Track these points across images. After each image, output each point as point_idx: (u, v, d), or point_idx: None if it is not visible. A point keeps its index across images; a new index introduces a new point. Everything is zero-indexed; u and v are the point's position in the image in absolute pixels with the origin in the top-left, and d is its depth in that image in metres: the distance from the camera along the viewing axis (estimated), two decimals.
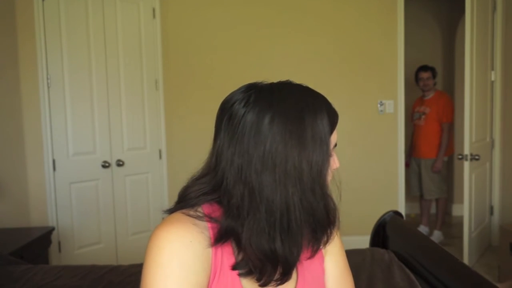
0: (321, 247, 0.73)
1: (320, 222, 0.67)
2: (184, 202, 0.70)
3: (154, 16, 3.29)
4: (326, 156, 0.67)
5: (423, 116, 3.70)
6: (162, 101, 3.36)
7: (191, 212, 0.67)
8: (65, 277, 1.72)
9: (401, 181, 3.48)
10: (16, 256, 2.09)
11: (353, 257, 1.47)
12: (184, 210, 0.68)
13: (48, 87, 2.78)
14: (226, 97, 0.71)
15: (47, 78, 2.77)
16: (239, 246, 0.65)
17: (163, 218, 0.70)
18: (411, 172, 3.86)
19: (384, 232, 1.91)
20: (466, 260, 2.89)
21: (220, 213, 0.67)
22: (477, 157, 2.86)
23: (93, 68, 2.96)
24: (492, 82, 3.29)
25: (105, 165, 3.02)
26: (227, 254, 0.67)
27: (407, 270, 1.53)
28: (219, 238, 0.65)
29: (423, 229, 3.82)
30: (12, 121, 2.64)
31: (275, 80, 0.74)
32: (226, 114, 0.68)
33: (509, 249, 2.60)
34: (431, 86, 3.68)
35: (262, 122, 0.63)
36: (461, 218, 3.29)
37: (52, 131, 2.80)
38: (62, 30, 2.82)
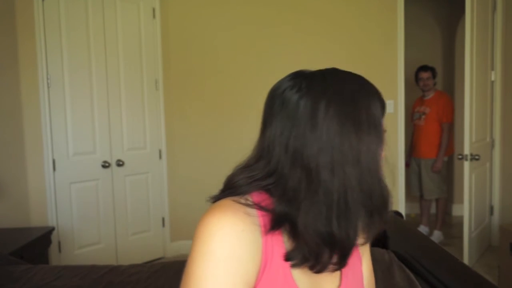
0: (376, 232, 0.72)
1: (376, 205, 0.66)
2: (232, 189, 0.69)
3: (154, 16, 3.29)
4: (380, 139, 0.67)
5: (423, 116, 3.70)
6: (162, 101, 3.36)
7: (242, 200, 0.66)
8: (65, 277, 1.72)
9: (401, 181, 3.48)
10: (16, 256, 2.10)
11: None
12: (234, 198, 0.67)
13: (48, 87, 2.78)
14: (275, 85, 0.72)
15: (47, 78, 2.77)
16: (294, 232, 0.64)
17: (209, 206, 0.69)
18: (411, 172, 3.86)
19: (384, 232, 1.91)
20: (466, 260, 2.89)
21: (270, 202, 0.66)
22: (477, 157, 2.86)
23: (93, 68, 2.96)
24: (492, 82, 3.29)
25: (105, 165, 3.02)
26: (278, 244, 0.65)
27: (407, 270, 1.53)
28: (274, 225, 0.64)
29: (423, 229, 3.82)
30: (12, 121, 2.64)
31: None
32: (277, 100, 0.68)
33: (509, 249, 2.60)
34: (431, 86, 3.68)
35: (318, 106, 0.64)
36: (461, 218, 3.29)
37: (52, 131, 2.80)
38: (62, 30, 2.82)
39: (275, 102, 0.68)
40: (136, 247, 3.25)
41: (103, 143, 3.03)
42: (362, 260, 0.84)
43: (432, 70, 3.67)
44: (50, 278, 1.72)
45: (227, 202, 0.66)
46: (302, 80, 0.68)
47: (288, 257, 0.65)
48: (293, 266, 0.65)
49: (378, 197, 0.66)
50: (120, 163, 3.11)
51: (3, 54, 2.57)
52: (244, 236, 0.62)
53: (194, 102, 3.47)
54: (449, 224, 4.26)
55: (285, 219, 0.64)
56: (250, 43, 3.44)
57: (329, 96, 0.64)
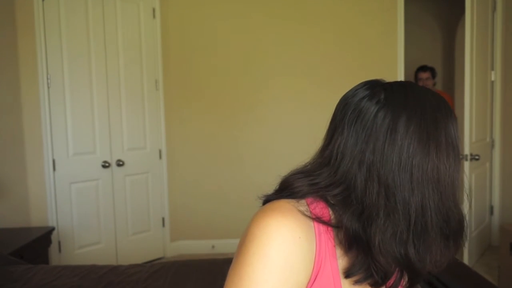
0: (450, 258, 0.68)
1: (454, 230, 0.64)
2: (289, 191, 0.66)
3: (154, 16, 3.29)
4: (458, 161, 0.65)
5: None
6: (162, 101, 3.36)
7: (301, 207, 0.63)
8: (65, 277, 1.72)
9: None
10: (16, 256, 2.10)
11: None
12: (291, 201, 0.64)
13: (48, 87, 2.78)
14: (349, 92, 0.69)
15: (47, 78, 2.77)
16: (365, 249, 0.61)
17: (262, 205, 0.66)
18: None
19: None
20: (466, 260, 2.89)
21: (326, 211, 0.64)
22: (477, 157, 2.86)
23: (93, 68, 2.96)
24: (492, 82, 3.29)
25: (105, 165, 3.02)
26: (331, 255, 0.63)
27: None
28: (351, 243, 0.61)
29: None
30: (12, 121, 2.64)
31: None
32: (351, 109, 0.65)
33: (509, 249, 2.60)
34: (431, 86, 3.68)
35: (398, 120, 0.61)
36: None
37: (52, 131, 2.80)
38: (62, 30, 2.82)
39: (349, 110, 0.65)
40: (136, 247, 3.25)
41: (103, 143, 3.03)
42: None
43: (431, 70, 3.67)
44: (50, 278, 1.72)
45: (285, 204, 0.63)
46: (381, 90, 0.65)
47: (349, 273, 0.62)
48: (354, 283, 0.63)
49: (455, 221, 0.64)
50: (120, 163, 3.11)
51: (3, 53, 2.57)
52: (300, 243, 0.59)
53: (194, 102, 3.47)
54: None
55: (359, 236, 0.61)
56: (251, 42, 3.44)
57: (410, 111, 0.62)
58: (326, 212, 0.64)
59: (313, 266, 0.61)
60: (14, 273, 1.77)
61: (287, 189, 0.67)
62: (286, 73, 3.41)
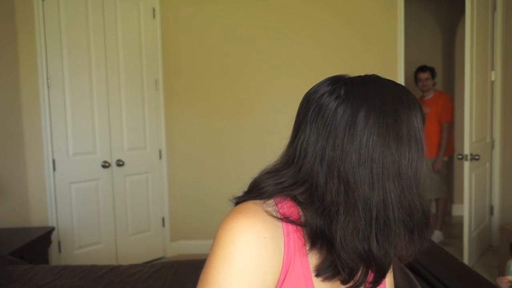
0: (416, 251, 0.68)
1: (417, 223, 0.63)
2: (256, 193, 0.66)
3: (154, 16, 3.29)
4: (421, 153, 0.64)
5: None
6: (162, 101, 3.36)
7: (268, 207, 0.62)
8: (65, 277, 1.72)
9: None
10: (16, 256, 2.10)
11: None
12: (258, 201, 0.64)
13: (48, 87, 2.78)
14: (311, 89, 0.68)
15: (47, 78, 2.77)
16: (328, 246, 0.61)
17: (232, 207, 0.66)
18: None
19: None
20: (466, 260, 2.89)
21: (295, 210, 0.63)
22: (477, 157, 2.86)
23: (93, 68, 2.96)
24: (492, 82, 3.29)
25: (105, 165, 3.02)
26: (300, 254, 0.63)
27: (407, 270, 1.53)
28: (314, 240, 0.61)
29: None
30: (12, 121, 2.64)
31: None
32: (313, 106, 0.65)
33: (509, 249, 2.60)
34: (430, 86, 3.67)
35: (357, 115, 0.61)
36: (461, 218, 3.29)
37: (52, 131, 2.80)
38: (62, 30, 2.82)
39: (311, 107, 0.65)
40: (136, 247, 3.25)
41: (103, 143, 3.03)
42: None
43: (431, 70, 3.67)
44: (50, 278, 1.72)
45: (251, 206, 0.63)
46: (341, 86, 0.64)
47: (318, 271, 0.62)
48: (323, 280, 0.63)
49: (419, 214, 0.63)
50: (120, 163, 3.11)
51: (3, 54, 2.57)
52: (266, 243, 0.59)
53: (194, 102, 3.47)
54: (449, 224, 4.25)
55: (322, 233, 0.61)
56: (251, 42, 3.44)
57: (369, 105, 0.61)
58: (295, 210, 0.64)
59: (282, 266, 0.61)
60: (14, 273, 1.77)
61: (254, 190, 0.67)
62: (287, 72, 3.41)
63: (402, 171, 0.61)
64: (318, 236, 0.61)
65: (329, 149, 0.61)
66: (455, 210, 4.54)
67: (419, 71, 3.69)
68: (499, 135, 3.34)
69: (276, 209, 0.63)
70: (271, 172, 0.68)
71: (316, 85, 0.68)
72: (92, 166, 2.99)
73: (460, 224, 3.25)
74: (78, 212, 2.95)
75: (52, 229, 2.59)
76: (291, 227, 0.62)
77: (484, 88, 3.12)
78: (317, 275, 0.62)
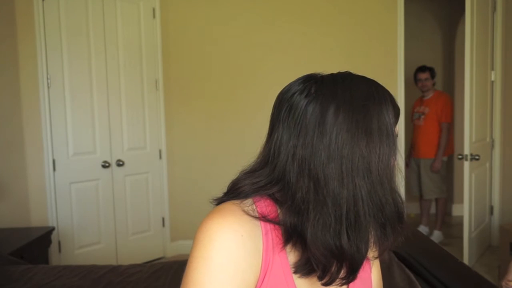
0: (390, 246, 0.68)
1: (389, 218, 0.63)
2: (234, 194, 0.67)
3: (154, 16, 3.29)
4: (393, 148, 0.64)
5: (422, 116, 3.71)
6: (162, 101, 3.36)
7: (246, 207, 0.63)
8: (65, 277, 1.72)
9: (401, 181, 3.47)
10: (16, 256, 2.10)
11: None
12: (235, 201, 0.65)
13: (48, 87, 2.78)
14: (284, 88, 0.69)
15: (47, 78, 2.77)
16: (301, 243, 0.61)
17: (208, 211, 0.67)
18: (411, 172, 3.86)
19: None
20: (466, 260, 2.89)
21: (274, 209, 0.64)
22: (477, 157, 2.86)
23: (93, 68, 2.96)
24: (492, 82, 3.29)
25: (105, 165, 3.02)
26: (280, 252, 0.63)
27: (407, 270, 1.53)
28: (287, 238, 0.62)
29: (423, 229, 3.82)
30: (12, 121, 2.64)
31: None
32: (285, 105, 0.65)
33: (509, 249, 2.60)
34: (430, 86, 3.67)
35: (327, 112, 0.61)
36: (461, 218, 3.29)
37: (52, 131, 2.80)
38: (62, 30, 2.82)
39: (283, 106, 0.66)
40: (136, 247, 3.25)
41: (103, 143, 3.03)
42: (372, 267, 0.82)
43: (430, 70, 3.67)
44: (50, 278, 1.72)
45: (228, 206, 0.64)
46: (312, 84, 0.65)
47: (296, 268, 0.63)
48: (300, 276, 0.63)
49: (391, 209, 0.64)
50: (120, 163, 3.11)
51: (3, 54, 2.57)
52: (243, 242, 0.60)
53: (194, 102, 3.47)
54: (449, 224, 4.25)
55: (295, 231, 0.61)
56: (251, 42, 3.44)
57: (339, 101, 0.62)
58: (273, 209, 0.64)
59: (261, 264, 0.61)
60: (14, 273, 1.77)
61: (232, 191, 0.68)
62: (287, 72, 3.41)
63: (372, 166, 0.61)
64: (292, 234, 0.62)
65: (299, 147, 0.62)
66: (455, 210, 4.54)
67: (419, 71, 3.69)
68: (499, 135, 3.34)
69: (254, 208, 0.64)
70: (248, 172, 0.69)
71: (289, 84, 0.68)
72: (92, 166, 2.99)
73: (460, 224, 3.26)
74: (78, 212, 2.95)
75: (52, 229, 2.59)
76: (269, 226, 0.63)
77: (484, 88, 3.12)
78: (295, 272, 0.63)
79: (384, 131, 0.63)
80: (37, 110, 2.75)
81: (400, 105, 3.39)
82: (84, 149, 2.95)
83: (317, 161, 0.61)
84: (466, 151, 2.81)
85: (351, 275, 0.64)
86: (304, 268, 0.63)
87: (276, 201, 0.65)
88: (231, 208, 0.63)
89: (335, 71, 0.73)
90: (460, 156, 2.87)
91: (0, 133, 2.53)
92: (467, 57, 2.77)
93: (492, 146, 3.36)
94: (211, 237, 0.59)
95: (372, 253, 0.70)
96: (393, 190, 0.65)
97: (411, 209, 4.48)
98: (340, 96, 0.62)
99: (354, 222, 0.61)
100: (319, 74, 0.68)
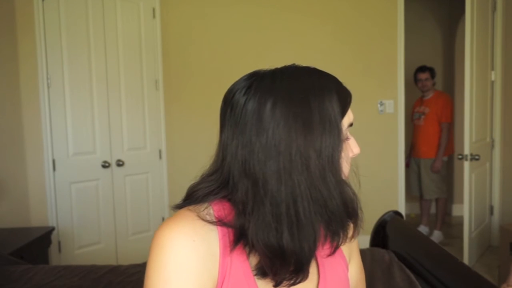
0: (345, 242, 0.66)
1: (335, 213, 0.61)
2: (191, 199, 0.67)
3: (154, 16, 3.29)
4: (338, 140, 0.61)
5: (422, 116, 3.71)
6: (162, 101, 3.36)
7: (201, 212, 0.62)
8: (65, 277, 1.72)
9: (401, 181, 3.48)
10: (16, 256, 2.09)
11: None
12: (191, 207, 0.64)
13: (48, 87, 2.78)
14: (228, 88, 0.67)
15: (47, 78, 2.77)
16: (250, 246, 0.60)
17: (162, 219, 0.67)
18: (411, 172, 3.86)
19: (384, 232, 1.91)
20: (466, 260, 2.89)
21: (230, 211, 0.63)
22: (477, 157, 2.86)
23: (93, 68, 2.96)
24: (492, 82, 3.29)
25: (105, 165, 3.02)
26: (239, 255, 0.62)
27: (407, 271, 1.53)
28: (236, 241, 0.61)
29: (423, 229, 3.82)
30: (12, 121, 2.64)
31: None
32: (228, 105, 0.64)
33: (509, 249, 2.60)
34: (430, 86, 3.68)
35: (264, 108, 0.59)
36: (461, 218, 3.29)
37: (52, 131, 2.80)
38: (62, 30, 2.82)
39: (227, 106, 0.64)
40: (136, 247, 3.24)
41: (103, 143, 3.03)
42: (350, 260, 0.79)
43: (430, 70, 3.67)
44: (50, 278, 1.72)
45: (182, 212, 0.63)
46: (253, 81, 0.63)
47: (256, 271, 0.62)
48: (259, 279, 0.62)
49: (336, 204, 0.60)
50: (120, 163, 3.11)
51: (3, 54, 2.57)
52: (195, 247, 0.59)
53: (194, 102, 3.46)
54: (449, 224, 4.26)
55: (242, 233, 0.60)
56: (251, 42, 3.44)
57: (276, 96, 0.59)
58: (230, 212, 0.63)
59: (219, 268, 0.60)
60: (14, 273, 1.77)
61: (189, 196, 0.68)
62: None
63: (311, 161, 0.58)
64: (239, 236, 0.60)
65: (240, 147, 0.60)
66: (455, 210, 4.54)
67: (419, 71, 3.69)
68: (499, 135, 3.34)
69: (211, 212, 0.63)
70: (204, 177, 0.68)
71: (233, 84, 0.67)
72: (92, 166, 2.99)
73: (460, 224, 3.26)
74: (78, 212, 2.95)
75: (52, 229, 2.59)
76: (226, 229, 0.62)
77: (484, 88, 3.12)
78: (256, 274, 0.62)
79: (327, 123, 0.60)
80: (37, 110, 2.75)
81: (400, 105, 3.37)
82: (84, 149, 2.95)
83: (255, 160, 0.59)
84: (466, 151, 2.82)
85: (297, 274, 0.62)
86: (258, 270, 0.62)
87: (234, 203, 0.63)
88: (185, 214, 0.62)
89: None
90: (460, 156, 2.87)
91: (0, 133, 2.53)
92: (467, 57, 2.78)
93: (492, 146, 3.36)
94: (164, 244, 0.59)
95: (325, 250, 0.67)
96: (340, 184, 0.61)
97: (411, 209, 4.48)
98: (278, 90, 0.60)
99: (296, 220, 0.58)
100: (262, 70, 0.66)
